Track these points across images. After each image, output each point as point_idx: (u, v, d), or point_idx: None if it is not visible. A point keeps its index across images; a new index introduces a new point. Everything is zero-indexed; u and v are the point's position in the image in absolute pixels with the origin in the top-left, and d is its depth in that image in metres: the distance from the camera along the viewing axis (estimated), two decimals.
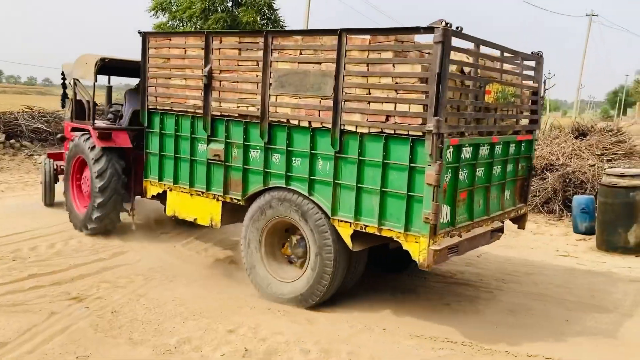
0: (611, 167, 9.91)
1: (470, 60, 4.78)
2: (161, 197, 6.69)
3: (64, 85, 8.97)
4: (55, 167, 9.00)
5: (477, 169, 5.13)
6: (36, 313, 4.85)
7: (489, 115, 5.17)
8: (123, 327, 4.70)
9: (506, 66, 5.46)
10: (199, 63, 5.90)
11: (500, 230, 5.76)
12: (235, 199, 5.81)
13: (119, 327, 4.70)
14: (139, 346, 4.39)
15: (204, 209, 6.12)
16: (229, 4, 23.59)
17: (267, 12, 24.41)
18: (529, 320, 5.42)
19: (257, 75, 5.46)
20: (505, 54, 5.27)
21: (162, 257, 6.82)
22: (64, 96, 9.11)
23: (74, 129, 8.16)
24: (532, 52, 5.89)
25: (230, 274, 6.28)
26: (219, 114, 5.83)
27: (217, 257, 7.05)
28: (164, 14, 24.04)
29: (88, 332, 4.55)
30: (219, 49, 5.75)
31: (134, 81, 8.35)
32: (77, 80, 8.00)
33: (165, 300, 5.33)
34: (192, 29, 22.24)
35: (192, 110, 6.06)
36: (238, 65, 5.62)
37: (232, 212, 6.04)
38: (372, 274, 6.23)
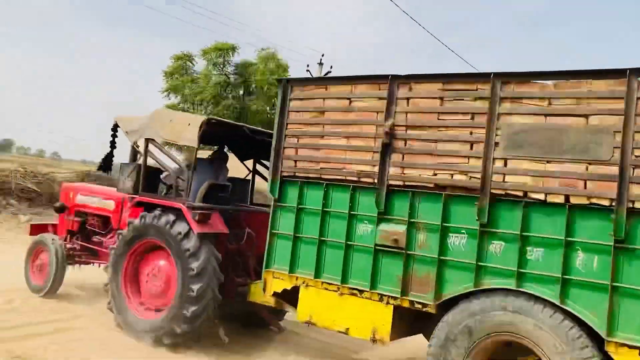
0: None
1: None
2: (288, 296, 4.94)
3: (113, 144, 7.31)
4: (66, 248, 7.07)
5: None
6: None
7: None
8: None
9: None
10: (373, 117, 4.48)
11: None
12: (419, 303, 4.11)
13: None
14: None
15: (363, 316, 4.38)
16: (241, 92, 23.27)
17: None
18: None
19: (471, 133, 4.02)
20: None
21: None
22: (110, 157, 7.43)
23: (139, 204, 6.44)
24: None
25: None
26: (401, 183, 4.30)
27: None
28: (176, 96, 23.84)
29: None
30: (408, 98, 4.35)
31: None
32: (152, 140, 6.40)
33: None
34: (202, 113, 21.74)
35: (356, 179, 4.53)
36: (439, 119, 4.19)
37: (408, 322, 4.32)
38: None
